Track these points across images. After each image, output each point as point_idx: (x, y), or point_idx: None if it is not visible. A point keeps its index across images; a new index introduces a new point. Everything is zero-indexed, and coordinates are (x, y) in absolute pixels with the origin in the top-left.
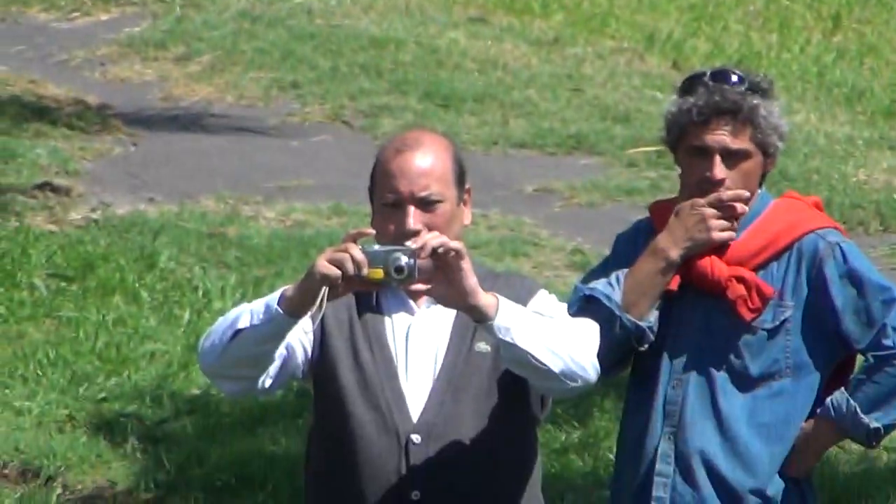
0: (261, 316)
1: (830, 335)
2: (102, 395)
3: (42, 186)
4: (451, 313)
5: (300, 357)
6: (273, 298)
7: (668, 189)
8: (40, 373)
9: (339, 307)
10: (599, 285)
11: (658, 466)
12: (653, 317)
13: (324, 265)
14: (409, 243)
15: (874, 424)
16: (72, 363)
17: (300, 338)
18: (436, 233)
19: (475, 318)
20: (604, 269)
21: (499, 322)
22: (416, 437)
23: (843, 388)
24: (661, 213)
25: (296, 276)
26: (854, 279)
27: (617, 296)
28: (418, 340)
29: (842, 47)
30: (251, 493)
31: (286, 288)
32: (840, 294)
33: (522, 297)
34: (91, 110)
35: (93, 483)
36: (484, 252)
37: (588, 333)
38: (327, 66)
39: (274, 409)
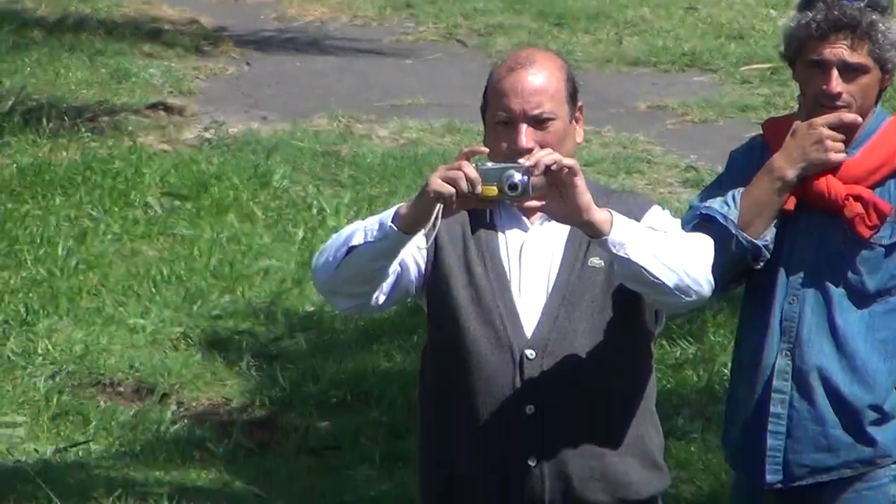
0: (375, 233)
1: None
2: (216, 312)
3: (156, 106)
4: (564, 229)
5: (414, 273)
6: (387, 215)
7: (781, 106)
8: (154, 291)
9: (453, 223)
10: (716, 204)
11: (775, 383)
12: (769, 235)
13: (438, 183)
14: (522, 160)
15: None
16: (186, 281)
17: (414, 254)
18: (549, 150)
19: (589, 234)
20: (719, 187)
21: (613, 237)
22: (529, 352)
23: None
24: (775, 131)
25: (409, 193)
26: None
27: (733, 214)
28: (532, 256)
29: None
30: (366, 408)
31: (400, 205)
32: None
33: (636, 213)
34: (205, 30)
35: (207, 400)
36: (598, 169)
37: (702, 248)
38: None
39: (388, 325)
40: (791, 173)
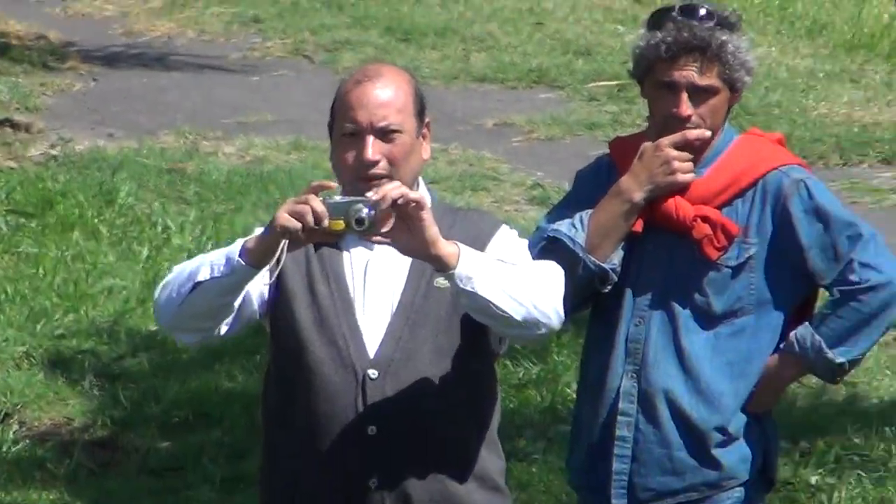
0: (222, 268)
1: (795, 272)
2: (60, 331)
3: (2, 122)
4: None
5: (257, 300)
6: (234, 250)
7: (629, 123)
8: None
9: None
10: (563, 227)
11: (621, 405)
12: (616, 258)
13: (284, 217)
14: (369, 194)
15: (839, 359)
16: (30, 299)
17: (257, 282)
18: (396, 183)
19: (436, 268)
20: (566, 207)
21: (460, 271)
22: (372, 373)
23: (807, 323)
24: (622, 150)
25: (255, 211)
26: (820, 215)
27: (581, 237)
28: (377, 275)
29: None
30: (207, 429)
31: (247, 239)
32: (806, 230)
33: (484, 234)
34: (52, 46)
35: (49, 420)
36: (444, 187)
37: (552, 279)
38: (288, 1)
39: (231, 345)
40: (638, 196)
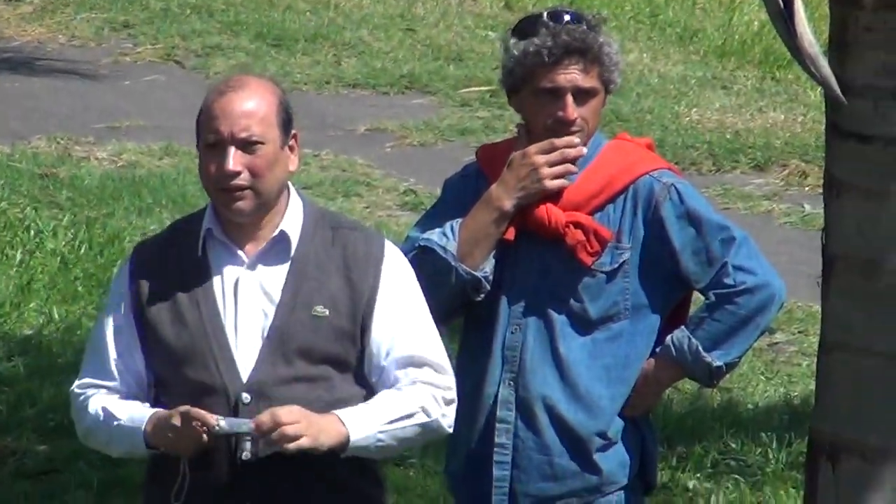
0: (125, 445)
1: (669, 276)
2: None
3: None
4: (283, 268)
5: (137, 356)
6: (138, 435)
7: (501, 129)
8: None
9: (163, 273)
10: (434, 236)
11: (499, 413)
12: (489, 266)
13: (182, 447)
14: (249, 423)
15: (716, 363)
16: None
17: (125, 349)
18: (272, 416)
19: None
20: (435, 216)
21: (353, 447)
22: (245, 397)
23: (683, 327)
24: (489, 157)
25: (127, 215)
26: (692, 219)
27: (452, 246)
28: (248, 295)
29: None
30: None
31: (147, 424)
32: (678, 234)
33: (372, 258)
34: None
35: None
36: (316, 192)
37: (437, 393)
38: (159, 6)
39: None
40: (508, 204)
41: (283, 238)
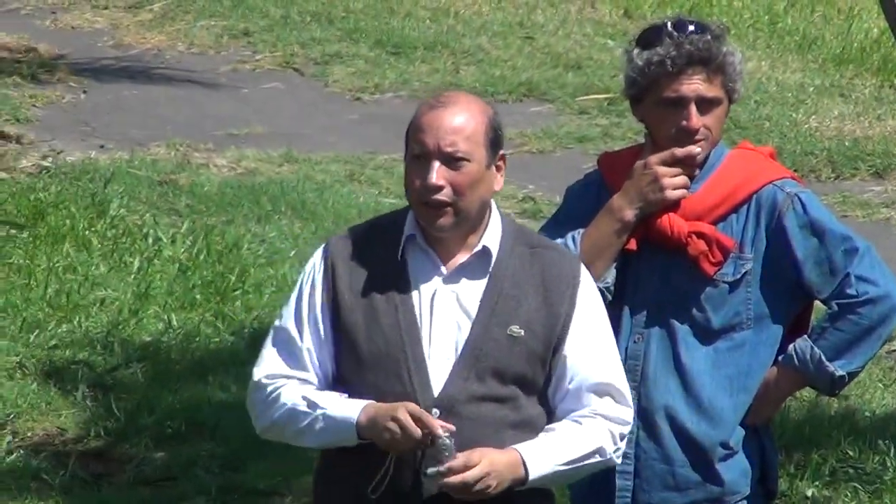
0: (330, 436)
1: (791, 286)
2: (53, 342)
3: None
4: (480, 284)
5: (328, 350)
6: (348, 422)
7: (619, 136)
8: None
9: (361, 271)
10: None
11: None
12: (610, 276)
13: (397, 445)
14: (454, 450)
15: (839, 372)
16: (22, 310)
17: (318, 342)
18: (464, 464)
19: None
20: (557, 225)
21: (532, 482)
22: (435, 411)
23: (805, 336)
24: (610, 166)
25: (247, 223)
26: (815, 229)
27: None
28: (444, 307)
29: None
30: (201, 440)
31: (360, 416)
32: (801, 245)
33: (567, 277)
34: (41, 58)
35: (43, 430)
36: None
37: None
38: (278, 14)
39: (225, 357)
40: (630, 214)
41: (484, 253)
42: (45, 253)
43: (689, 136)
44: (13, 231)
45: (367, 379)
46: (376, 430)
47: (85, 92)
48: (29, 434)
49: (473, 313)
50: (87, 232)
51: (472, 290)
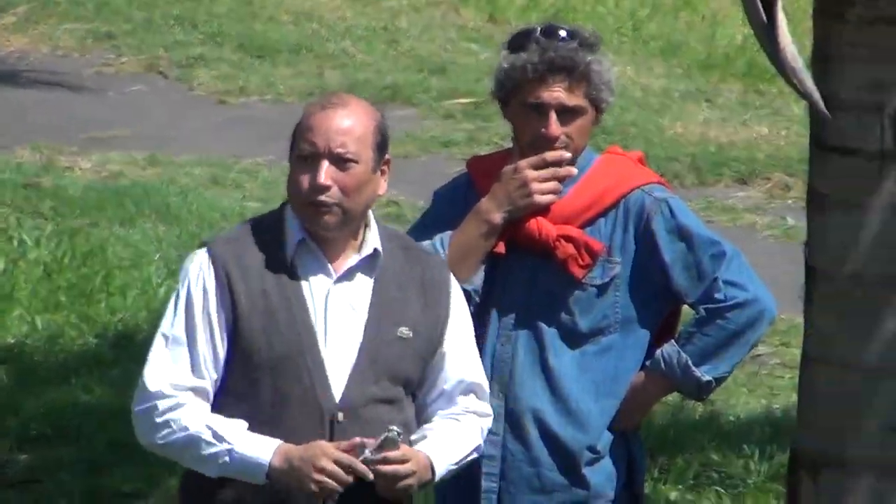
0: (238, 472)
1: (659, 290)
2: None
3: None
4: (367, 283)
5: (221, 356)
6: (260, 466)
7: (484, 141)
8: None
9: (252, 275)
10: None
11: None
12: (478, 279)
13: (322, 490)
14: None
15: (706, 377)
16: None
17: (212, 348)
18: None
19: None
20: (423, 227)
21: (438, 477)
22: (340, 416)
23: (672, 341)
24: (479, 169)
25: (111, 225)
26: (682, 234)
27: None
28: (338, 308)
29: (657, 1)
30: (66, 443)
31: (273, 457)
32: (669, 249)
33: (441, 282)
34: None
35: None
36: None
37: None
38: (141, 17)
39: (89, 359)
40: (498, 217)
41: (374, 255)
42: None
43: (547, 143)
44: None
45: (266, 384)
46: (295, 476)
47: None
48: None
49: (364, 314)
50: None
51: (362, 292)
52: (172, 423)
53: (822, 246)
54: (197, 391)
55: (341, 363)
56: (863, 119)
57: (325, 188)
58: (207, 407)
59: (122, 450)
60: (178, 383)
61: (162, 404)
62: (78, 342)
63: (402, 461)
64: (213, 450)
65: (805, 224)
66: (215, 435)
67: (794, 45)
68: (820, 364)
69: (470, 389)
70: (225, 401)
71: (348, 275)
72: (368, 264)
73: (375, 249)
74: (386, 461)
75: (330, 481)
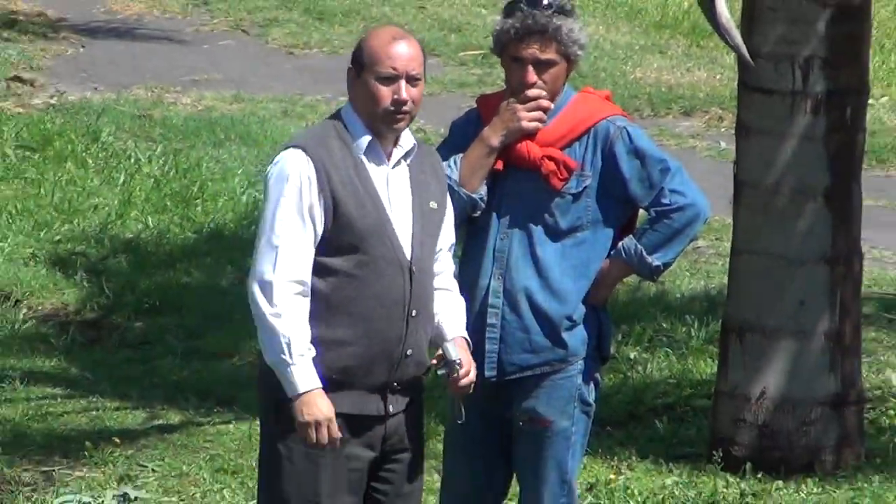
0: (280, 377)
1: (620, 197)
2: (58, 237)
3: (12, 79)
4: (406, 168)
5: (319, 228)
6: (293, 388)
7: (490, 83)
8: (10, 221)
9: (339, 167)
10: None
11: (490, 301)
12: (483, 190)
13: (306, 435)
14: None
15: (655, 263)
16: (35, 214)
17: (315, 217)
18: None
19: None
20: (443, 150)
21: None
22: (415, 269)
23: (631, 236)
24: (485, 105)
25: (207, 147)
26: (638, 154)
27: (455, 175)
28: (396, 191)
29: None
30: (170, 314)
31: (303, 395)
32: (627, 166)
33: (441, 168)
34: (50, 21)
35: (50, 305)
36: None
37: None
38: None
39: (188, 249)
40: (496, 140)
41: (412, 148)
42: (52, 170)
43: (527, 88)
44: (27, 153)
45: (360, 249)
46: (302, 422)
47: (83, 47)
48: (39, 308)
49: (409, 193)
50: (84, 154)
51: (404, 176)
52: (274, 318)
53: (747, 164)
54: (295, 281)
55: (404, 229)
56: (779, 66)
57: (405, 101)
58: (303, 302)
59: (214, 320)
60: (291, 278)
61: (276, 297)
62: (180, 237)
63: (469, 369)
64: (277, 351)
65: (734, 147)
66: (287, 344)
67: (727, 8)
68: (745, 254)
69: (451, 247)
70: (327, 267)
71: (397, 163)
72: (411, 154)
73: (414, 144)
74: (461, 375)
75: (314, 436)
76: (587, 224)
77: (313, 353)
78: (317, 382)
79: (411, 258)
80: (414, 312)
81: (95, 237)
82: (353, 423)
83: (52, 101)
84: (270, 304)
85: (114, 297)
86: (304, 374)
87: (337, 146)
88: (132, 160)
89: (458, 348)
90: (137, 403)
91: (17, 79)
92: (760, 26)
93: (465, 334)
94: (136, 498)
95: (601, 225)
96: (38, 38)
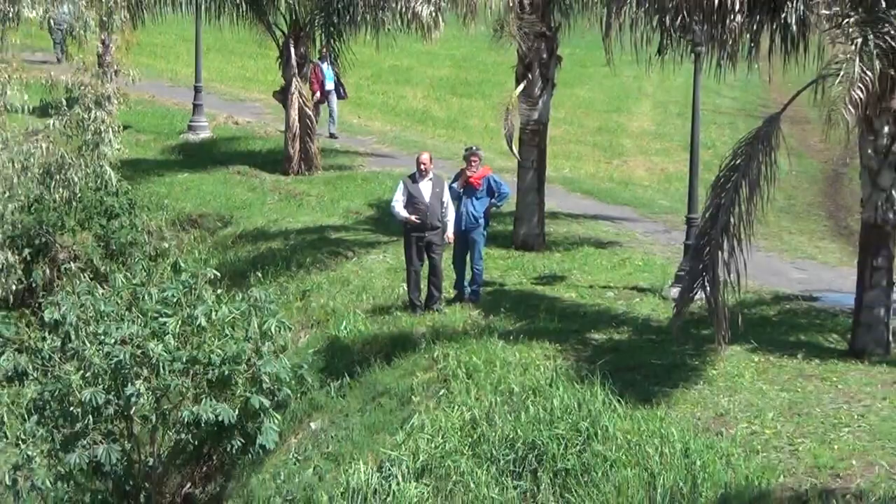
0: (398, 216)
1: (492, 193)
2: None
3: None
4: (430, 183)
5: (405, 196)
6: (402, 216)
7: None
8: None
9: (410, 183)
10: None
11: (463, 215)
12: (460, 190)
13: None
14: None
15: (498, 204)
16: None
17: (406, 195)
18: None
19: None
20: (452, 181)
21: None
22: (428, 208)
23: (492, 200)
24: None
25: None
26: (496, 183)
27: (454, 185)
28: (425, 190)
29: None
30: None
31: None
32: (495, 186)
33: (442, 181)
34: None
35: None
36: None
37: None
38: None
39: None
40: (464, 179)
41: (433, 176)
42: None
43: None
44: None
45: (413, 207)
46: (403, 218)
47: None
48: None
49: (430, 191)
50: None
51: (429, 186)
52: (396, 206)
53: None
54: (402, 202)
55: (427, 198)
56: None
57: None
58: (402, 206)
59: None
60: (398, 199)
61: (395, 202)
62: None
63: (451, 233)
64: (398, 217)
65: None
66: (399, 215)
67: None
68: None
69: (447, 204)
70: (407, 203)
71: (427, 182)
72: (430, 178)
73: (434, 174)
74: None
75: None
76: (484, 197)
77: (404, 214)
78: (407, 216)
79: (429, 215)
80: (429, 215)
81: None
82: (417, 230)
83: None
84: (394, 205)
85: None
86: (403, 215)
87: (411, 177)
88: None
89: (450, 228)
90: None
91: None
92: None
93: (453, 226)
94: None
95: (486, 198)
96: None
